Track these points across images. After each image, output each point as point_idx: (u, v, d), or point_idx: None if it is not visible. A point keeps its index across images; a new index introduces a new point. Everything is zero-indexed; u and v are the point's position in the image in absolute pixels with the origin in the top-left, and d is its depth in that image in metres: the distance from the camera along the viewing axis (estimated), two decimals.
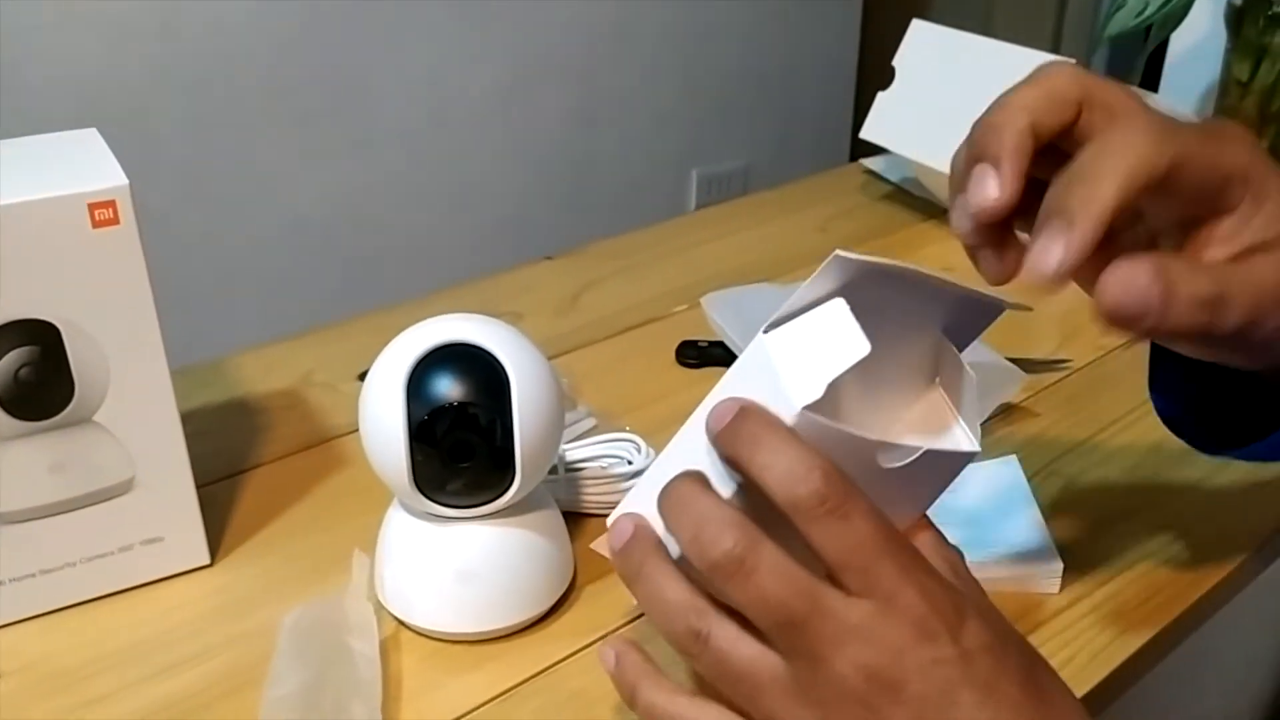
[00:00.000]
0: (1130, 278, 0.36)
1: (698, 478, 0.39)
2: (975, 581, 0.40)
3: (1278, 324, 0.39)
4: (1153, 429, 0.68)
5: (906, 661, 0.34)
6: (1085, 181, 0.37)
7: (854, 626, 0.35)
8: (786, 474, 0.36)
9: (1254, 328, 0.38)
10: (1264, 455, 0.46)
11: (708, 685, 0.40)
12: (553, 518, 0.53)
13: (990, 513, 0.58)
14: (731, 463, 0.38)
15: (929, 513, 0.42)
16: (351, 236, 1.81)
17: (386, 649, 0.51)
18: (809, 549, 0.36)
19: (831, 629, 0.35)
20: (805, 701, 0.36)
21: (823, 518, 0.35)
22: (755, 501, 0.37)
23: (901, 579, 0.35)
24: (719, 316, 0.74)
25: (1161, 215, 0.41)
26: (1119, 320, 0.37)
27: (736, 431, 0.37)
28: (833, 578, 0.36)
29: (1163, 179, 0.37)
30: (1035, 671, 0.37)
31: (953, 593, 0.36)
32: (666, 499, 0.38)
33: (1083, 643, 0.52)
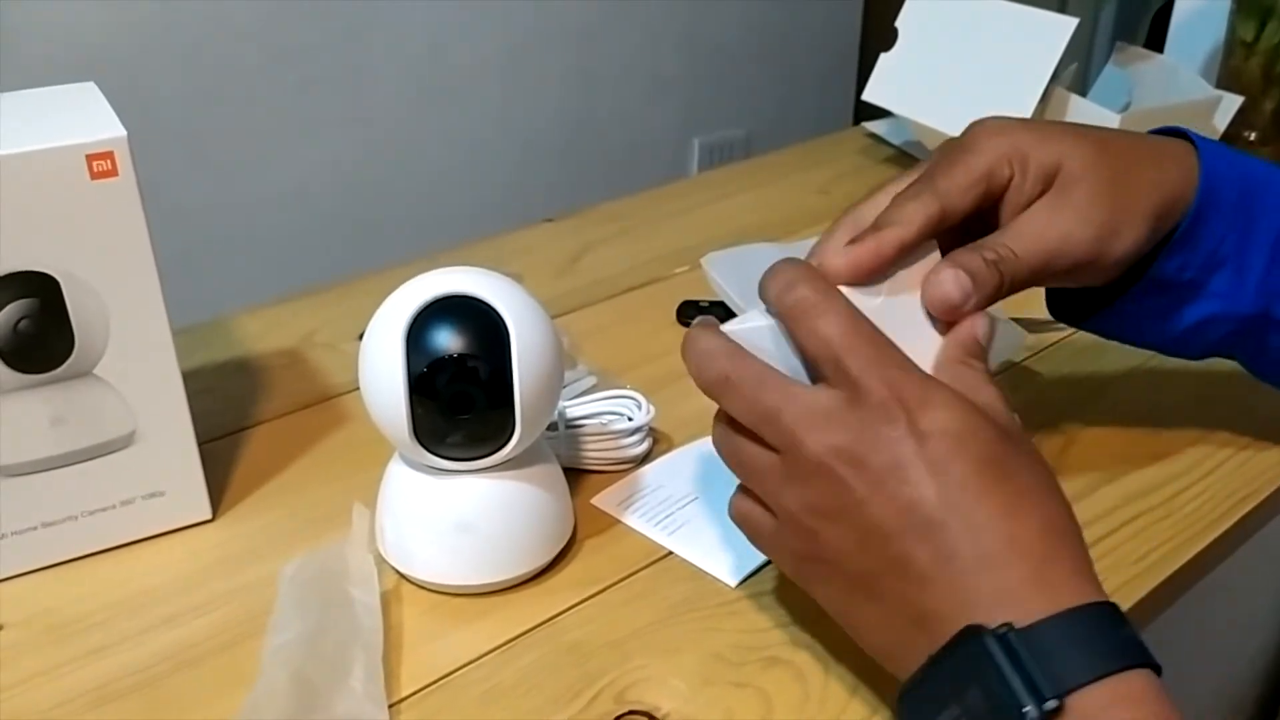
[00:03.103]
0: (938, 283, 0.46)
1: (707, 326, 0.45)
2: (999, 406, 0.43)
3: (1073, 258, 0.48)
4: (1153, 389, 0.68)
5: (865, 438, 0.40)
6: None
7: (821, 411, 0.41)
8: (780, 284, 0.44)
9: (1053, 263, 0.48)
10: (1103, 329, 0.57)
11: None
12: (553, 472, 0.53)
13: None
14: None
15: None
16: (351, 202, 1.81)
17: (386, 601, 0.51)
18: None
19: (803, 415, 0.41)
20: (791, 482, 0.42)
21: (800, 318, 0.43)
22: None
23: (867, 370, 0.41)
24: (719, 276, 0.74)
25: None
26: (950, 314, 0.46)
27: (773, 272, 0.45)
28: (818, 373, 0.43)
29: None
30: (1004, 460, 0.40)
31: (921, 385, 0.41)
32: (684, 348, 0.45)
33: None
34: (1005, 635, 0.36)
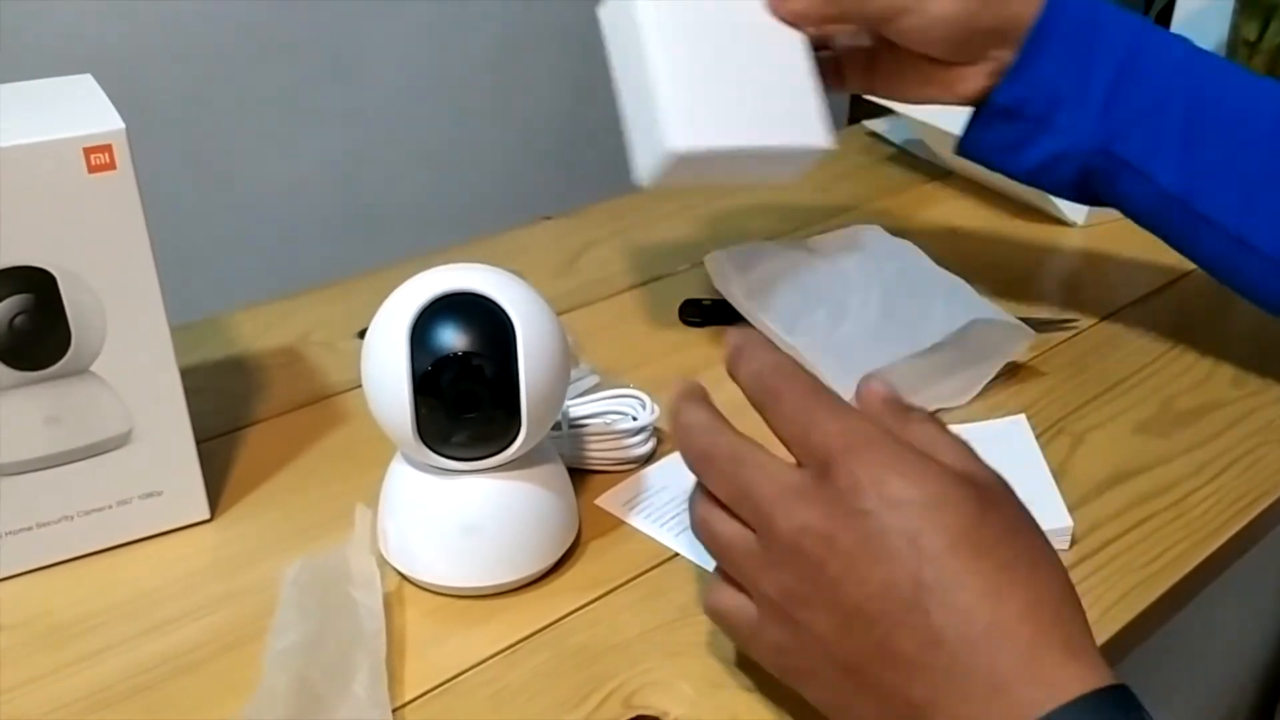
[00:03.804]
0: None
1: (692, 396, 0.45)
2: (957, 450, 0.41)
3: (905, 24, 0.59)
4: (1160, 388, 0.68)
5: (834, 514, 0.38)
6: None
7: (793, 488, 0.39)
8: (743, 370, 0.43)
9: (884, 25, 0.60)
10: (970, 154, 0.66)
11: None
12: (558, 472, 0.53)
13: (999, 471, 0.57)
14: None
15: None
16: (347, 200, 1.80)
17: (389, 604, 0.50)
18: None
19: (776, 493, 0.39)
20: (768, 566, 0.40)
21: (766, 406, 0.42)
22: None
23: (832, 444, 0.39)
24: (723, 274, 0.73)
25: None
26: (792, 15, 0.61)
27: (735, 352, 0.44)
28: (792, 454, 0.41)
29: None
30: (981, 528, 0.37)
31: (890, 454, 0.38)
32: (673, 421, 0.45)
33: (1092, 600, 0.51)
34: None
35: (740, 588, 0.42)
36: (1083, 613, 0.38)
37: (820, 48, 0.66)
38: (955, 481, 0.38)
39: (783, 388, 0.41)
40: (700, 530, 0.43)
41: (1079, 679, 0.35)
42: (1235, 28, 0.96)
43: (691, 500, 0.44)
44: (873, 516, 0.37)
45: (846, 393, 0.58)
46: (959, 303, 0.67)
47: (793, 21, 0.62)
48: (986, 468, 0.41)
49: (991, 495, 0.39)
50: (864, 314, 0.68)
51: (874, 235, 0.76)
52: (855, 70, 0.67)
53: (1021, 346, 0.67)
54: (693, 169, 0.60)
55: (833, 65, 0.67)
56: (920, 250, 0.74)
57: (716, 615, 0.44)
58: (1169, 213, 0.62)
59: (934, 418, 0.43)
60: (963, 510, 0.37)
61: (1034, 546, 0.38)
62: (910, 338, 0.63)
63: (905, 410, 0.42)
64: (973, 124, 0.64)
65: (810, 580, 0.38)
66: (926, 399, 0.63)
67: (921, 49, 0.61)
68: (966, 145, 0.66)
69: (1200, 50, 0.62)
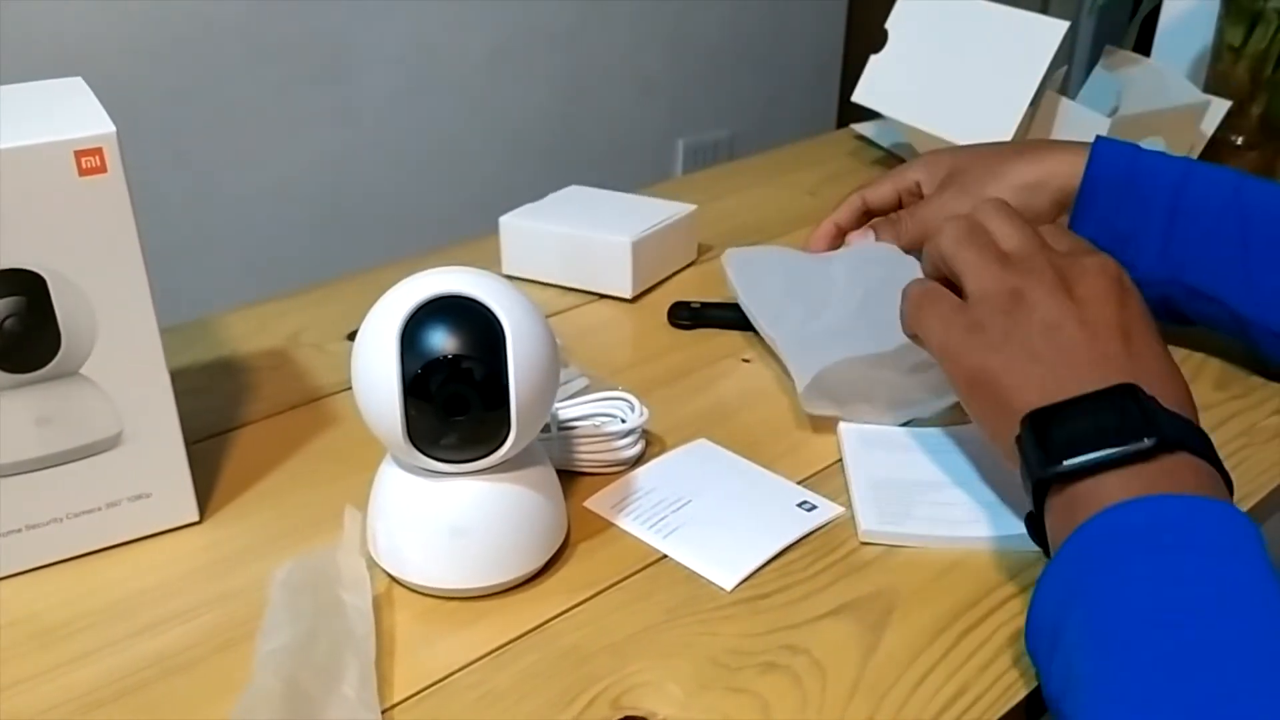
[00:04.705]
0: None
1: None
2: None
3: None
4: None
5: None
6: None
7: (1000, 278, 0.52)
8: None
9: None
10: None
11: None
12: (547, 474, 0.53)
13: (998, 484, 0.58)
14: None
15: None
16: (336, 201, 1.80)
17: (379, 605, 0.50)
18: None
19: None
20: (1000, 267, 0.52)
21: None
22: None
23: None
24: (730, 268, 0.75)
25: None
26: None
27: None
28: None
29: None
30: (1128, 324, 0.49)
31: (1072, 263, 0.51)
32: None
33: None
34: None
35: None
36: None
37: None
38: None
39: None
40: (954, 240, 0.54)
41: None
42: (1220, 33, 0.97)
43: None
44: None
45: (801, 383, 0.60)
46: None
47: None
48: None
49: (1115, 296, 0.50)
50: (838, 312, 0.69)
51: (869, 243, 0.77)
52: None
53: None
54: None
55: None
56: (914, 259, 0.74)
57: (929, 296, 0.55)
58: (1249, 331, 0.66)
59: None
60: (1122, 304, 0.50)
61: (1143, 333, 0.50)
62: (877, 339, 0.62)
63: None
64: None
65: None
66: (900, 405, 0.63)
67: None
68: None
69: (1246, 176, 0.66)
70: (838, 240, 0.80)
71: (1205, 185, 0.66)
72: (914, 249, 0.72)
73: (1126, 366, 0.47)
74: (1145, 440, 0.44)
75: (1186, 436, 0.45)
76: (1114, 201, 0.67)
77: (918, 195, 0.76)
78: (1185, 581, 0.40)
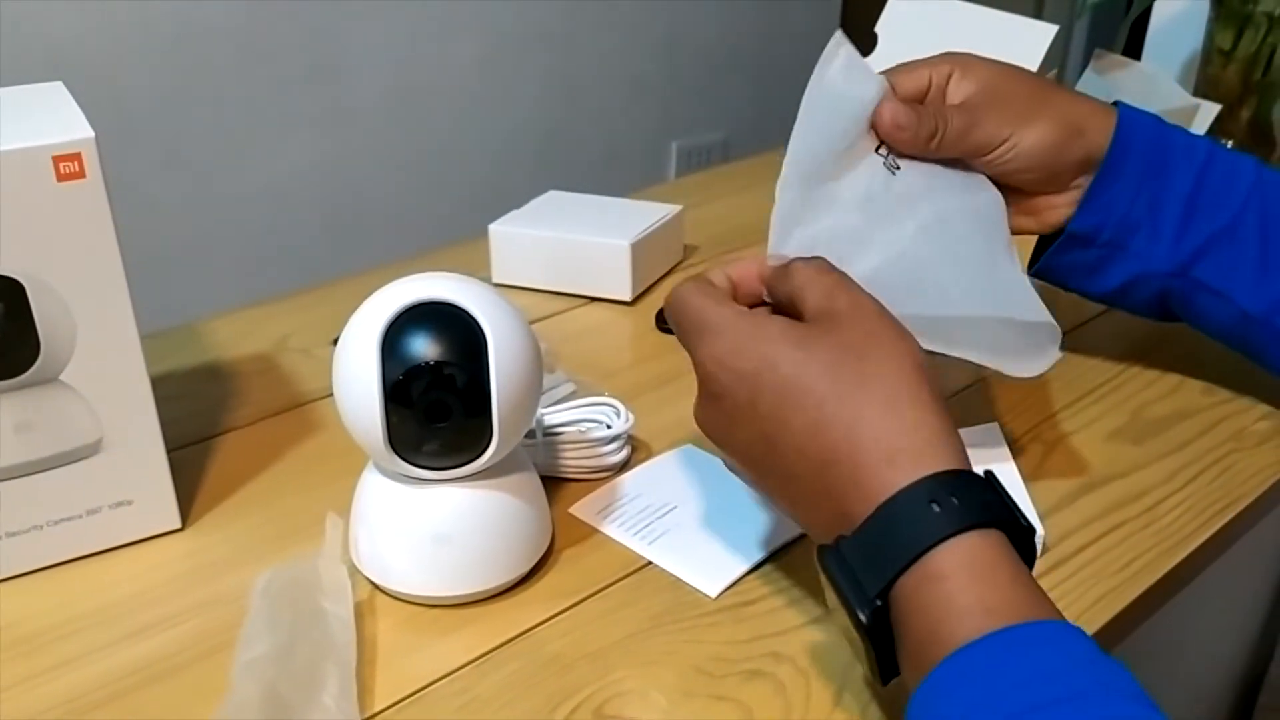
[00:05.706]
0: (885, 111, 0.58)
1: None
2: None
3: (988, 133, 0.60)
4: (1132, 396, 0.68)
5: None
6: None
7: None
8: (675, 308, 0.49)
9: (971, 133, 0.59)
10: (1048, 278, 0.66)
11: None
12: (531, 481, 0.53)
13: None
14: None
15: None
16: (325, 204, 1.79)
17: (361, 613, 0.50)
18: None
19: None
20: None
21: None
22: None
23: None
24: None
25: None
26: (901, 145, 0.59)
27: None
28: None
29: None
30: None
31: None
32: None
33: (1064, 606, 0.51)
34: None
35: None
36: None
37: None
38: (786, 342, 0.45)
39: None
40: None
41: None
42: (1210, 36, 0.97)
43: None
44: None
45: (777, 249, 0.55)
46: (989, 289, 0.57)
47: (900, 152, 0.60)
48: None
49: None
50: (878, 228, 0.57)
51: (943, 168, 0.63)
52: None
53: (1053, 348, 0.57)
54: None
55: None
56: (991, 194, 0.62)
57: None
58: (1250, 332, 0.63)
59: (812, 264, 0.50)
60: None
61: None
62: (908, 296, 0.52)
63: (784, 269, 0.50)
64: (1049, 249, 0.65)
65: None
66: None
67: (1015, 181, 0.62)
68: (1042, 268, 0.66)
69: (1269, 168, 0.63)
70: None
71: (1227, 173, 0.62)
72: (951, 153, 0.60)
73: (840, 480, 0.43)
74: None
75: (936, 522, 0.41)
76: (1134, 182, 0.62)
77: (943, 91, 0.62)
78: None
